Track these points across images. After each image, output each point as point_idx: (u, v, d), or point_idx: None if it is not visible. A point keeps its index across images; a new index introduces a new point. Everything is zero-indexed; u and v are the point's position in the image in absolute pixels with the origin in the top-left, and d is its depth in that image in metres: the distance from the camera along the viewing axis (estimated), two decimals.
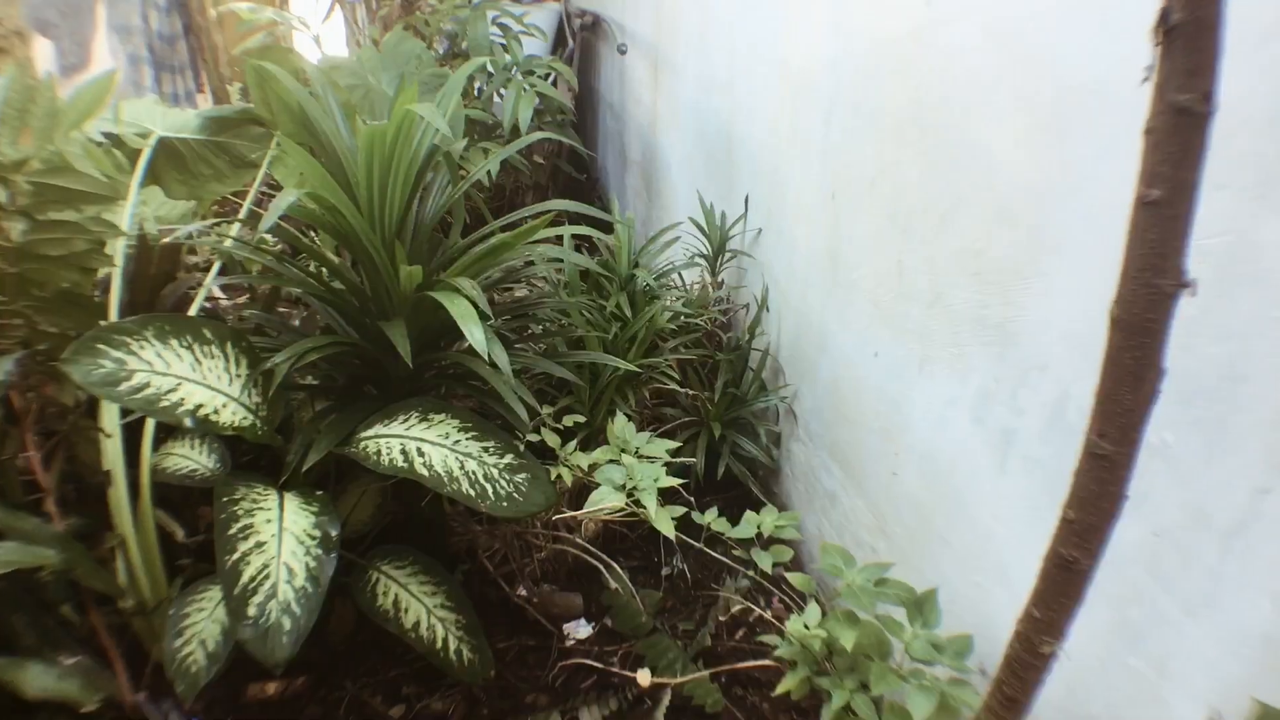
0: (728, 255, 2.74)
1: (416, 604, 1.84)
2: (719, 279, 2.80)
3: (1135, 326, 0.70)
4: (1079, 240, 1.26)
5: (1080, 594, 0.79)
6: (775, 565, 1.80)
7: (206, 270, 2.60)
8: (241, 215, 2.60)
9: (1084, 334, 1.26)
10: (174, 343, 1.71)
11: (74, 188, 1.70)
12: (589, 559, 2.14)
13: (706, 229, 2.72)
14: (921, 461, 1.73)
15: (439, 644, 1.80)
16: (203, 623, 1.66)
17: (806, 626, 1.57)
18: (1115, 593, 1.21)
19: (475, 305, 1.67)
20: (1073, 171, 1.26)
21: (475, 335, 1.62)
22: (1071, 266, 1.27)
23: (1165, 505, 1.13)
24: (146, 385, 1.62)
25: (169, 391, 1.64)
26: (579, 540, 2.18)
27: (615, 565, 2.12)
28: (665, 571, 2.39)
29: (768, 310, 2.55)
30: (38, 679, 1.50)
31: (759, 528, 1.82)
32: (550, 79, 4.08)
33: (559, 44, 4.73)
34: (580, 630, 2.19)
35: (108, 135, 2.46)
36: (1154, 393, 0.72)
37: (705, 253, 2.76)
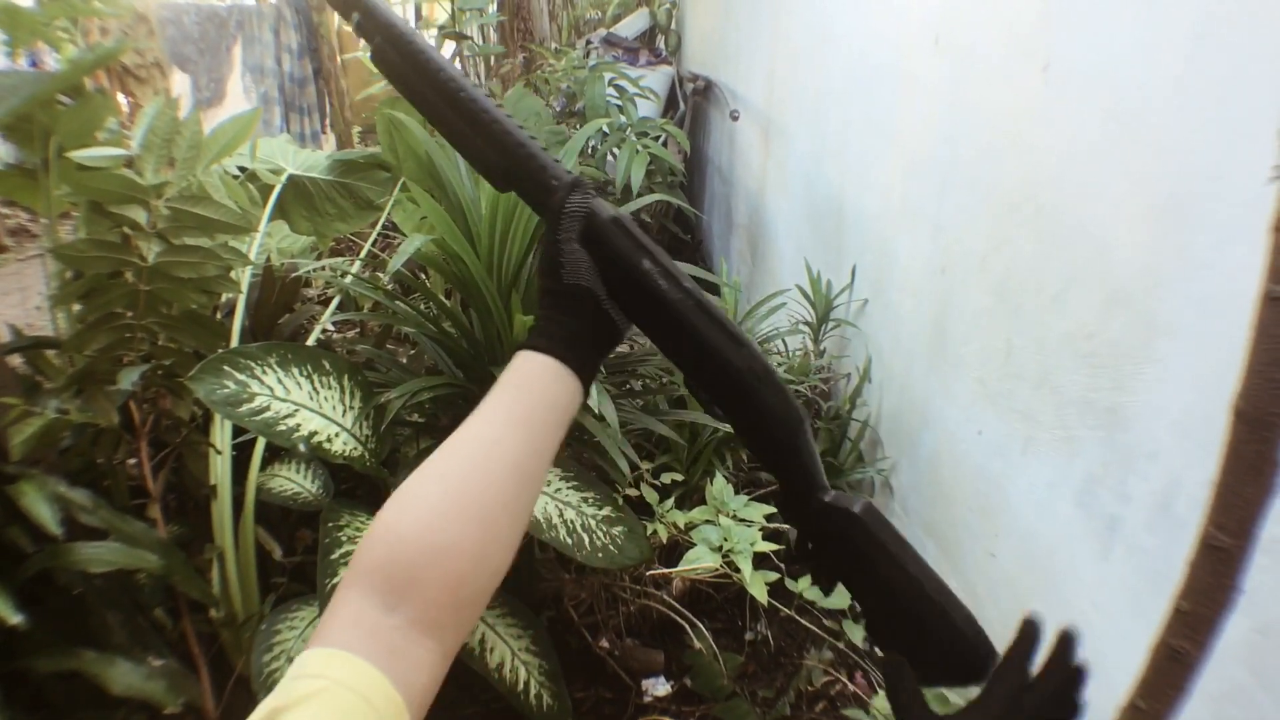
0: (832, 324, 2.74)
1: (503, 645, 1.86)
2: (821, 347, 2.80)
3: (1258, 420, 0.70)
4: (1194, 327, 1.24)
5: (1188, 686, 0.77)
6: (865, 639, 1.78)
7: (321, 304, 2.70)
8: (362, 255, 2.71)
9: (1196, 422, 1.24)
10: (294, 371, 1.78)
11: (209, 216, 1.79)
12: (674, 616, 2.14)
13: (812, 296, 2.73)
14: (1021, 543, 1.70)
15: (520, 686, 1.82)
16: (293, 641, 1.70)
17: None
18: (1214, 690, 1.17)
19: None
20: (1189, 257, 1.25)
21: None
22: (1185, 352, 1.26)
23: (1270, 602, 1.09)
24: (266, 409, 1.69)
25: (286, 416, 1.71)
26: (666, 597, 2.18)
27: (700, 625, 2.12)
28: (749, 636, 2.37)
29: (869, 381, 2.54)
30: (124, 677, 1.53)
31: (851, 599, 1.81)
32: (662, 140, 4.15)
33: (671, 106, 4.82)
34: (659, 688, 2.18)
35: (242, 169, 2.59)
36: (1273, 486, 0.71)
37: (809, 320, 2.77)
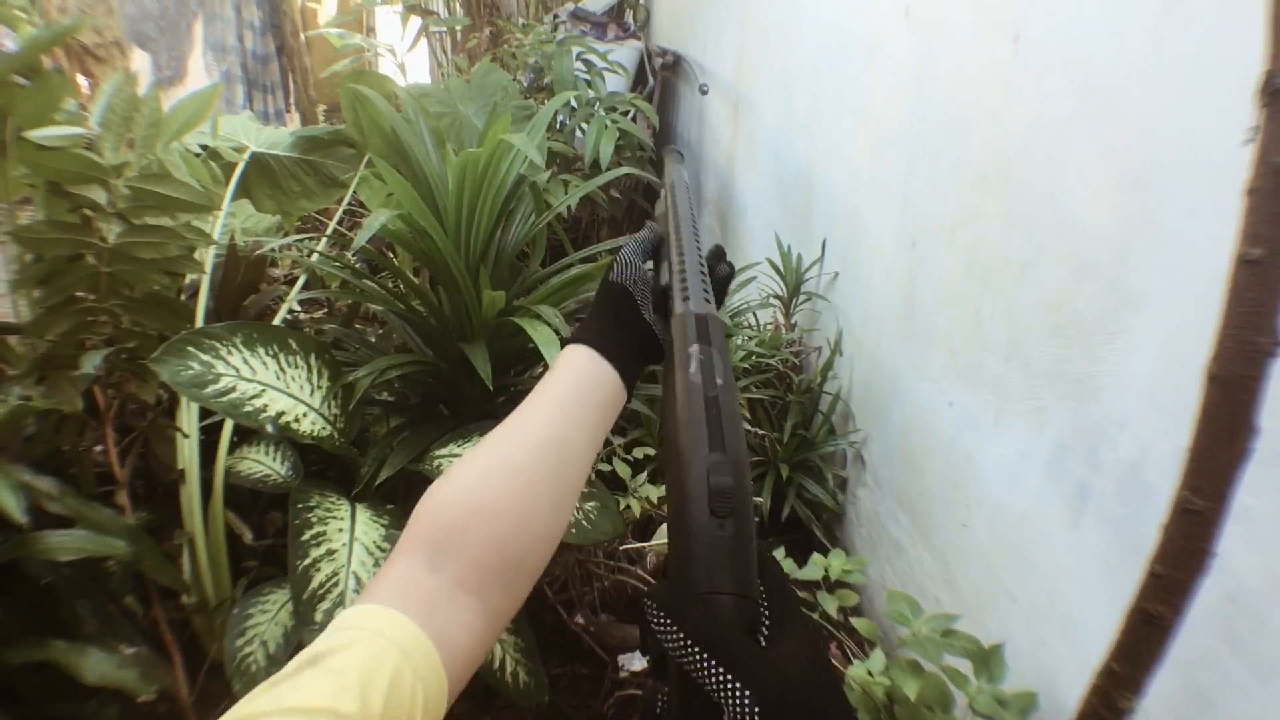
0: (802, 297, 2.74)
1: None
2: (792, 320, 2.80)
3: (1231, 383, 0.70)
4: (1162, 296, 1.25)
5: (1163, 650, 0.78)
6: (839, 609, 1.79)
7: (287, 283, 2.67)
8: (328, 233, 2.68)
9: (1165, 391, 1.25)
10: (260, 350, 1.76)
11: (171, 195, 1.76)
12: None
13: (782, 270, 2.73)
14: (992, 514, 1.71)
15: (496, 664, 1.82)
16: (265, 624, 1.69)
17: (870, 673, 1.55)
18: (1186, 657, 1.18)
19: (557, 333, 1.70)
20: (1158, 227, 1.25)
21: None
22: (1154, 322, 1.27)
23: (1242, 569, 1.11)
24: (232, 389, 1.67)
25: (253, 397, 1.69)
26: (640, 572, 2.18)
27: None
28: None
29: (840, 354, 2.54)
30: (97, 666, 1.52)
31: (826, 570, 1.82)
32: (631, 115, 4.13)
33: (639, 81, 4.79)
34: (635, 663, 2.19)
35: (204, 147, 2.56)
36: (1247, 450, 0.72)
37: (780, 294, 2.77)
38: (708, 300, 0.69)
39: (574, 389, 0.72)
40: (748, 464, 0.57)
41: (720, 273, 0.82)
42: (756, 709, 0.42)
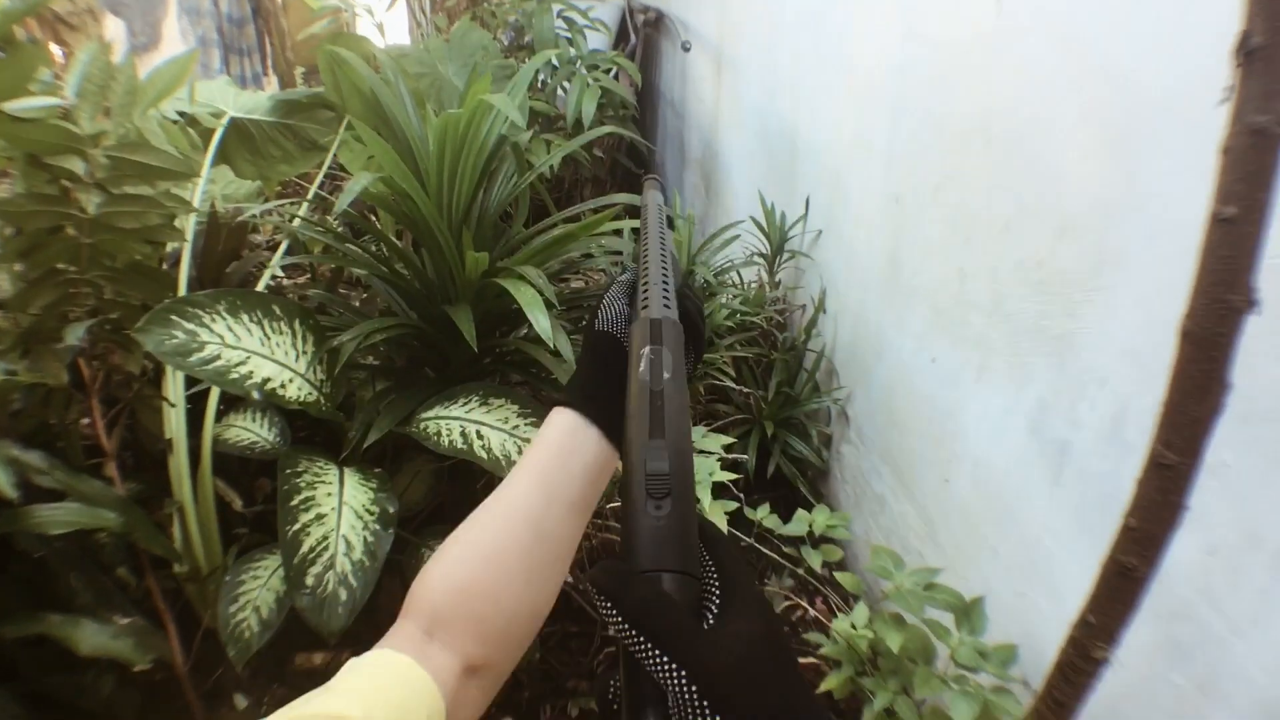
0: (786, 256, 2.74)
1: None
2: (777, 279, 2.80)
3: (1204, 339, 0.71)
4: (1142, 255, 1.26)
5: (1136, 602, 0.80)
6: (824, 564, 1.81)
7: (269, 249, 2.66)
8: (309, 197, 2.66)
9: (1145, 349, 1.26)
10: (244, 317, 1.76)
11: (149, 163, 1.74)
12: None
13: (766, 228, 2.73)
14: (974, 470, 1.73)
15: None
16: (257, 590, 1.71)
17: (854, 626, 1.58)
18: (1164, 610, 1.21)
19: (541, 294, 1.70)
20: (1138, 186, 1.26)
21: (541, 322, 1.65)
22: (1134, 281, 1.27)
23: (1219, 524, 1.13)
24: (217, 357, 1.67)
25: (238, 364, 1.69)
26: None
27: None
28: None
29: (824, 312, 2.55)
30: (92, 637, 1.54)
31: (810, 526, 1.84)
32: (613, 74, 4.10)
33: (622, 39, 4.75)
34: None
35: (182, 114, 2.53)
36: (1219, 406, 0.73)
37: (764, 252, 2.77)
38: (667, 305, 0.70)
39: (554, 460, 0.72)
40: (690, 450, 0.57)
41: (688, 308, 0.79)
42: (694, 688, 0.42)
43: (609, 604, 0.45)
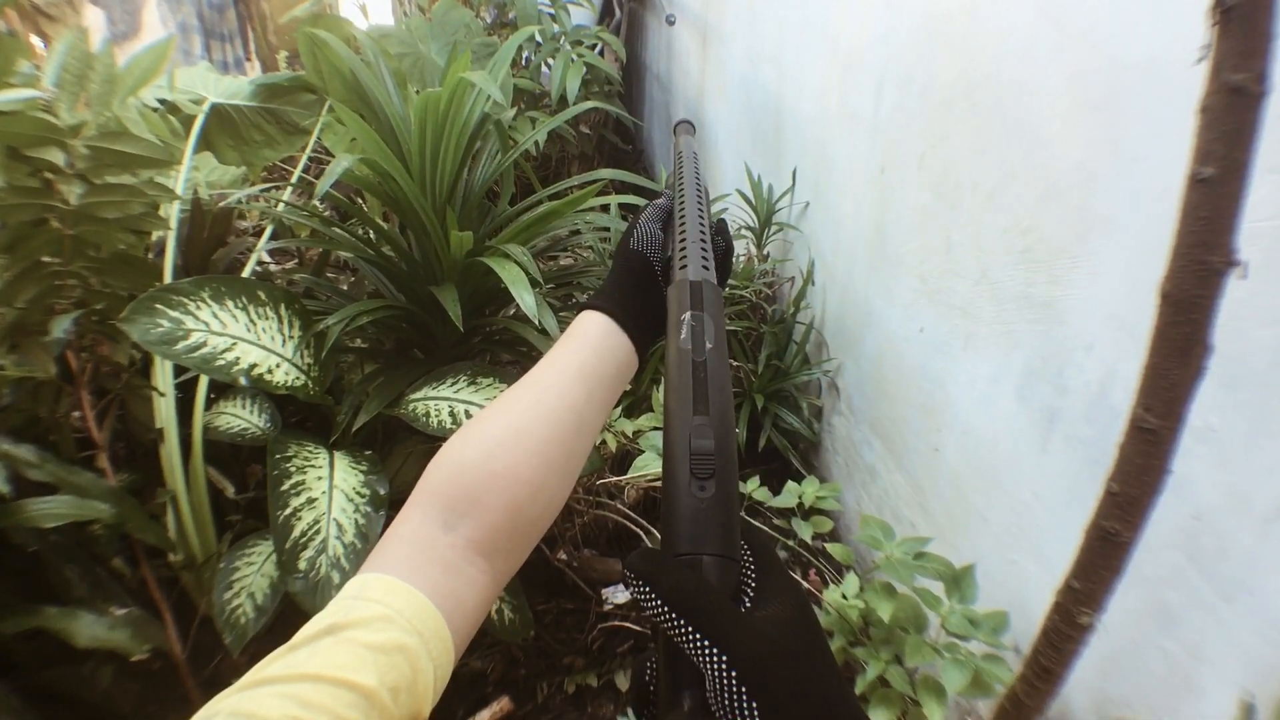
0: (774, 228, 2.74)
1: None
2: (765, 252, 2.80)
3: (1184, 302, 0.71)
4: (1127, 220, 1.25)
5: (1120, 566, 0.80)
6: (815, 536, 1.81)
7: (255, 235, 2.64)
8: (292, 181, 2.64)
9: (1131, 314, 1.26)
10: (229, 304, 1.75)
11: (130, 152, 1.73)
12: (629, 524, 2.17)
13: (753, 201, 2.72)
14: (963, 438, 1.74)
15: None
16: (252, 576, 1.71)
17: (845, 597, 1.58)
18: (1152, 575, 1.21)
19: (526, 271, 1.69)
20: (1122, 151, 1.26)
21: (526, 300, 1.65)
22: (1119, 246, 1.27)
23: (1206, 489, 1.13)
24: (203, 344, 1.66)
25: (225, 351, 1.68)
26: (620, 506, 2.20)
27: (654, 531, 2.15)
28: None
29: (813, 284, 2.55)
30: (89, 628, 1.54)
31: (800, 498, 1.84)
32: (598, 49, 4.07)
33: (606, 14, 4.71)
34: (618, 595, 2.22)
35: (162, 101, 2.51)
36: (1200, 368, 0.73)
37: (751, 225, 2.76)
38: (705, 267, 0.69)
39: (593, 360, 0.73)
40: (733, 427, 0.56)
41: (717, 246, 0.82)
42: (734, 673, 0.41)
43: (646, 588, 0.45)
